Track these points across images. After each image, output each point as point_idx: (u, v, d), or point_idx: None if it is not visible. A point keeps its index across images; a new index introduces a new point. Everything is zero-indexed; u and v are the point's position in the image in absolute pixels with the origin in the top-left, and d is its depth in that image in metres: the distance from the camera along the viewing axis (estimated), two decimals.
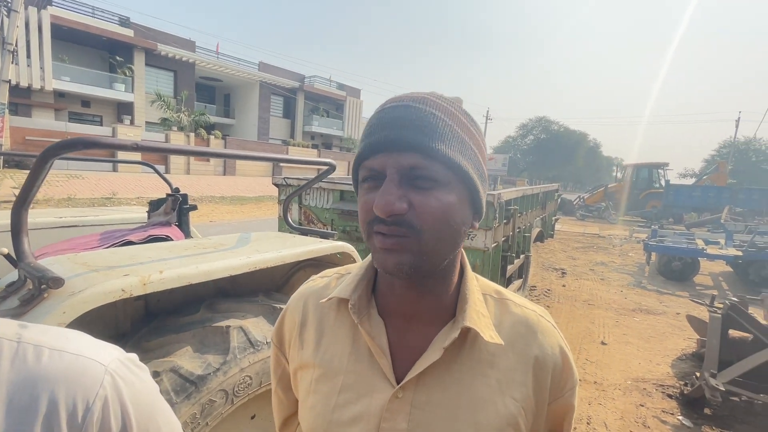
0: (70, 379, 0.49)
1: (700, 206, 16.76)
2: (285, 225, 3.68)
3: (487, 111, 41.45)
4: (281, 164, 22.97)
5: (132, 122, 20.02)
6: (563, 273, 7.31)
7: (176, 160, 18.17)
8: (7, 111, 11.68)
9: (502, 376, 0.53)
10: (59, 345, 0.50)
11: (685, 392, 3.11)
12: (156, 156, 14.53)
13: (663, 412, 2.97)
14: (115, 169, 16.10)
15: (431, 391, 0.52)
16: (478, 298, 0.56)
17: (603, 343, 4.17)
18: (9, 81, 11.37)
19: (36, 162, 0.81)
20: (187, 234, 1.81)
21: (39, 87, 17.06)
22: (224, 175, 20.64)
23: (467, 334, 0.53)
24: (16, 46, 12.64)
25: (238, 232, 1.62)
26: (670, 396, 3.19)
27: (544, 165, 42.03)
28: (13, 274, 0.97)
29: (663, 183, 18.93)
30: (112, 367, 0.52)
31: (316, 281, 0.67)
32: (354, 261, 1.62)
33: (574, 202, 20.35)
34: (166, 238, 1.62)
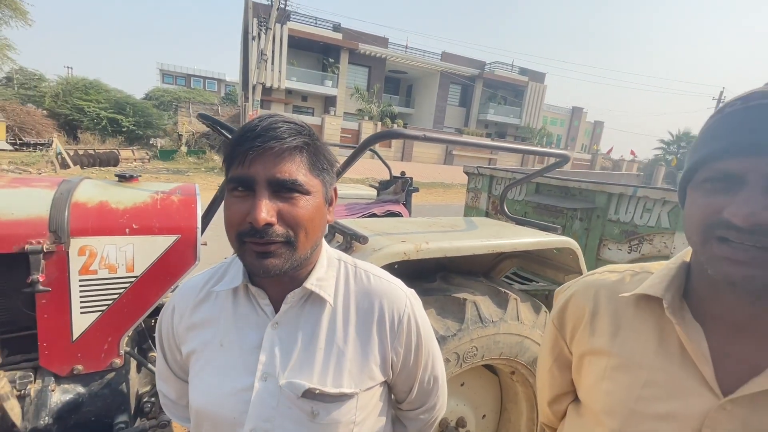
0: (389, 296, 0.69)
1: None
2: (472, 213, 3.78)
3: (721, 92, 31.59)
4: (454, 152, 23.42)
5: (335, 113, 23.82)
6: None
7: None
8: (259, 106, 15.70)
9: None
10: (379, 273, 0.72)
11: None
12: (350, 141, 16.88)
13: None
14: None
15: None
16: None
17: None
18: (263, 83, 15.12)
19: (357, 148, 1.08)
20: (410, 212, 2.07)
21: (276, 86, 22.11)
22: (402, 160, 22.46)
23: None
24: (268, 56, 16.82)
25: (416, 216, 1.76)
26: None
27: None
28: None
29: None
30: (409, 294, 0.71)
31: (605, 275, 0.68)
32: (575, 258, 1.55)
33: None
34: (398, 214, 1.89)
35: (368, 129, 21.14)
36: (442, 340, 1.21)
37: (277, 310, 0.66)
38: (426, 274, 1.51)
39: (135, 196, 1.37)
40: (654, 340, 0.58)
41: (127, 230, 1.29)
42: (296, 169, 0.57)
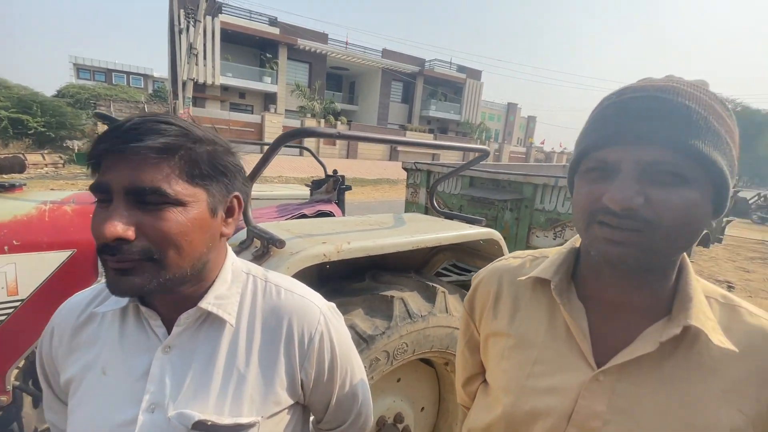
0: (300, 313, 0.64)
1: None
2: (412, 207, 3.84)
3: None
4: (398, 148, 23.74)
5: (275, 110, 23.02)
6: (730, 287, 5.98)
7: (307, 144, 20.39)
8: (190, 103, 14.69)
9: (727, 386, 0.50)
10: (290, 287, 0.67)
11: None
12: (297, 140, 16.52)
13: None
14: (261, 152, 18.88)
15: (638, 382, 0.52)
16: (701, 299, 0.53)
17: None
18: (194, 79, 14.15)
19: (270, 147, 1.03)
20: (343, 211, 2.04)
21: (210, 82, 20.86)
22: (347, 158, 22.34)
23: (686, 333, 0.51)
24: (198, 50, 15.78)
25: (360, 213, 1.76)
26: None
27: None
28: (241, 234, 1.25)
29: None
30: (324, 310, 0.67)
31: (509, 260, 0.71)
32: (500, 248, 1.62)
33: (751, 202, 16.22)
34: (330, 214, 1.85)
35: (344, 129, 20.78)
36: (370, 339, 1.19)
37: (170, 331, 0.59)
38: (361, 273, 1.49)
39: (16, 207, 1.19)
40: (545, 320, 0.61)
41: (6, 248, 1.12)
42: (162, 176, 0.49)
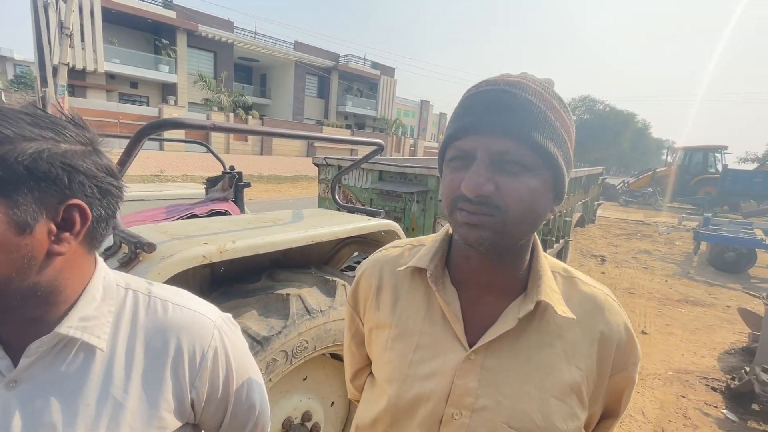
0: (190, 329, 0.58)
1: (761, 193, 15.44)
2: (326, 203, 3.80)
3: None
4: (315, 144, 23.31)
5: (176, 103, 20.85)
6: (603, 260, 7.07)
7: (216, 139, 18.88)
8: (66, 92, 12.57)
9: (568, 347, 0.57)
10: (179, 301, 0.61)
11: (732, 386, 3.00)
12: (199, 134, 15.18)
13: (706, 404, 2.89)
14: (161, 148, 16.96)
15: (502, 356, 0.56)
16: (549, 275, 0.59)
17: (643, 333, 4.06)
18: (68, 64, 12.14)
19: (131, 140, 0.91)
20: (242, 209, 1.93)
21: (92, 69, 18.07)
22: (261, 154, 21.25)
23: (538, 307, 0.57)
24: (72, 30, 13.46)
25: (278, 210, 1.71)
26: (714, 389, 3.09)
27: (588, 147, 39.89)
28: (108, 240, 1.10)
29: (719, 168, 17.51)
30: (218, 323, 0.62)
31: (389, 250, 0.72)
32: (398, 238, 1.68)
33: (618, 187, 19.32)
34: (225, 213, 1.74)
35: (219, 121, 19.26)
36: (265, 341, 1.15)
37: (18, 363, 0.49)
38: (257, 273, 1.42)
39: None
40: (423, 307, 0.63)
41: None
42: None
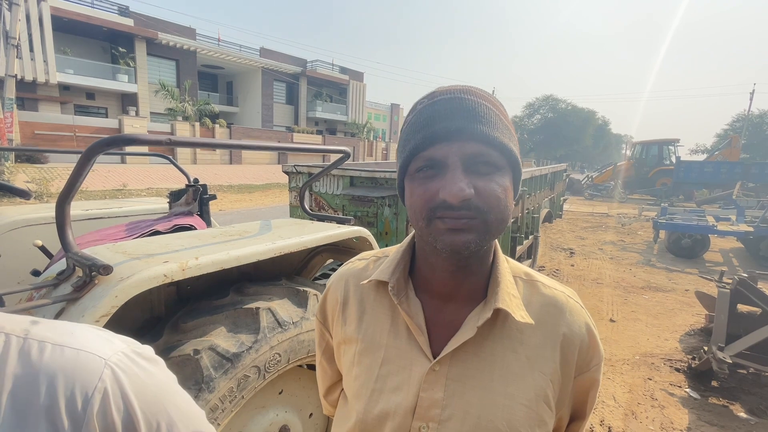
0: (69, 372, 0.50)
1: (711, 182, 16.52)
2: (297, 212, 3.75)
3: (493, 90, 40.68)
4: (288, 152, 22.98)
5: (137, 113, 20.03)
6: (572, 253, 7.34)
7: (183, 150, 18.27)
8: (15, 106, 11.81)
9: (531, 352, 0.57)
10: (62, 340, 0.52)
11: (693, 365, 3.18)
12: (163, 147, 14.65)
13: (671, 385, 3.05)
14: (123, 161, 16.25)
15: (465, 365, 0.56)
16: (509, 280, 0.59)
17: (612, 321, 4.24)
18: (15, 76, 11.42)
19: (81, 158, 0.87)
20: (209, 223, 1.88)
21: (44, 80, 17.10)
22: (230, 164, 20.74)
23: (499, 313, 0.57)
24: (19, 39, 12.68)
25: (249, 221, 1.68)
26: (678, 370, 3.27)
27: (552, 144, 41.38)
28: (61, 264, 1.05)
29: (673, 160, 18.62)
30: (113, 360, 0.53)
31: (355, 263, 0.72)
32: (370, 245, 1.68)
33: (583, 182, 20.18)
34: (190, 227, 1.69)
35: (185, 131, 18.64)
36: (235, 357, 1.12)
37: None
38: (227, 288, 1.39)
39: None
40: (388, 320, 0.62)
41: None
42: None
